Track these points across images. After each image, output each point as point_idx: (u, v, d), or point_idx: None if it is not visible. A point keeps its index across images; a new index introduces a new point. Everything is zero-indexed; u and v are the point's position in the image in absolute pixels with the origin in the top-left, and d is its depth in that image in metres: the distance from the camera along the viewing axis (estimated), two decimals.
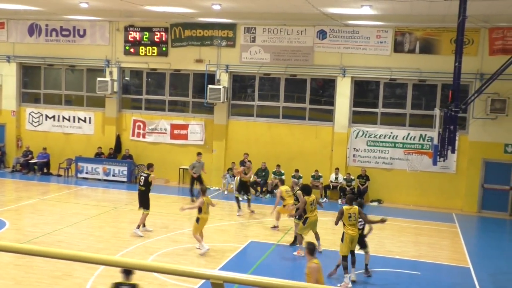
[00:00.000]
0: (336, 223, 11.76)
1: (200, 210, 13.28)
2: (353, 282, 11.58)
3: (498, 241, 16.72)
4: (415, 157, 18.30)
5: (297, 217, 13.61)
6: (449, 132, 13.43)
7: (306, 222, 13.24)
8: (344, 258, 11.51)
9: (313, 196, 13.49)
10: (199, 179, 19.33)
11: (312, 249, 8.96)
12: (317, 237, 13.66)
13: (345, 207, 11.79)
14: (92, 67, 23.76)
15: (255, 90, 22.38)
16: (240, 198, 18.10)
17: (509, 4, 16.29)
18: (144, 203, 14.85)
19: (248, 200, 18.11)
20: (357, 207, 11.84)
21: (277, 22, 21.04)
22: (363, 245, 12.19)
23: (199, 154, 19.90)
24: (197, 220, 13.32)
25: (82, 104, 24.27)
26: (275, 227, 15.89)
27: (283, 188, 15.75)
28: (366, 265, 12.25)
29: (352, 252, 11.72)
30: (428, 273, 12.91)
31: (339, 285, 11.39)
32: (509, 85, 18.62)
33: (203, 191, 13.68)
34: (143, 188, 14.85)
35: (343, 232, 11.67)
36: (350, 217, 11.59)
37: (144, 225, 14.86)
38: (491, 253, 14.99)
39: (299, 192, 13.88)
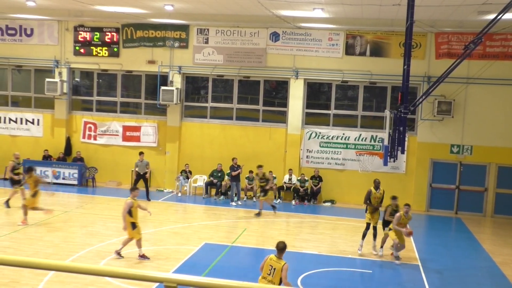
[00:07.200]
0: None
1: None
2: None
3: (445, 238, 17.28)
4: (367, 157, 18.70)
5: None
6: (399, 133, 13.75)
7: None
8: (367, 225, 14.48)
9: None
10: (144, 179, 19.76)
11: (283, 248, 8.92)
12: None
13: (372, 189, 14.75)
14: (40, 68, 23.12)
15: (208, 92, 22.31)
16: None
17: (453, 10, 16.91)
18: None
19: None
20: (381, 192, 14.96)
21: (230, 23, 21.06)
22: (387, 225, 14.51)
23: (141, 153, 20.38)
24: None
25: (30, 105, 23.57)
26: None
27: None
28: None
29: (374, 227, 14.43)
30: (379, 271, 13.22)
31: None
32: (454, 87, 19.30)
33: (131, 190, 13.46)
34: None
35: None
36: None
37: None
38: (438, 251, 15.48)
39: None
